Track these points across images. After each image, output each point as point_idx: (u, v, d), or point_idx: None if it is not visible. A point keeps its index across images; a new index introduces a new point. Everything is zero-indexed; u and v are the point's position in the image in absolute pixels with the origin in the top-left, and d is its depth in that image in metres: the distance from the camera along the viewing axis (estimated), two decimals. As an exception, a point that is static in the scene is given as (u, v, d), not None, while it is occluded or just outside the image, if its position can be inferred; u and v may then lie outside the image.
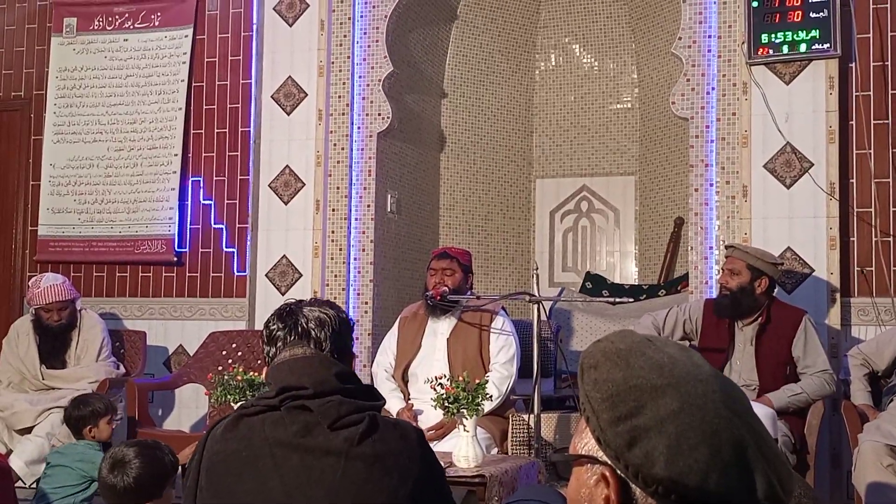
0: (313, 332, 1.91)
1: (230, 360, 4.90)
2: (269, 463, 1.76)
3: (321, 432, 1.76)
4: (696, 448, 0.89)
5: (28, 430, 4.56)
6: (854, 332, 4.62)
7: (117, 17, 5.78)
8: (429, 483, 1.81)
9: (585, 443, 0.96)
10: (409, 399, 4.14)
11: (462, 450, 3.24)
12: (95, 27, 5.82)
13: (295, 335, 1.92)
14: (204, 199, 5.60)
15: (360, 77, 5.31)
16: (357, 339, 5.22)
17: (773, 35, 4.62)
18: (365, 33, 5.32)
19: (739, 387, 0.97)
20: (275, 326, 1.95)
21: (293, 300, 2.04)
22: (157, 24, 5.70)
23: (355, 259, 5.27)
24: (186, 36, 5.65)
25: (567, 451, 0.99)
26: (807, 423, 3.98)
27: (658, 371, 0.93)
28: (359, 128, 5.31)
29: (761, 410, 2.66)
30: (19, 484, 4.33)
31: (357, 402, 1.81)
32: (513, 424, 4.05)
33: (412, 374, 4.18)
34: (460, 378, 3.32)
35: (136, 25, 5.74)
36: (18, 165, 6.00)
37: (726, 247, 4.35)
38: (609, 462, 0.93)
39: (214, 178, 5.61)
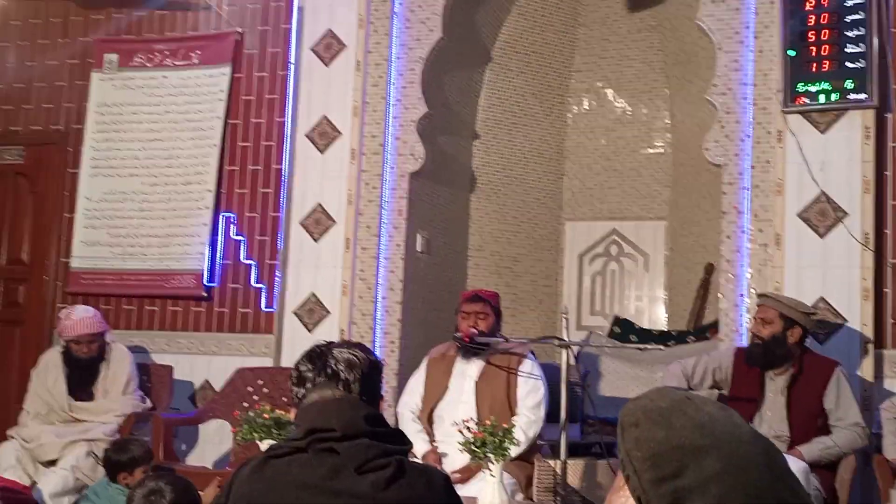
0: (342, 374, 1.92)
1: (256, 397, 4.89)
2: None
3: (348, 475, 1.75)
4: None
5: (53, 463, 4.57)
6: (887, 384, 4.55)
7: (157, 53, 5.88)
8: None
9: (623, 502, 0.95)
10: (433, 441, 4.11)
11: (487, 495, 3.21)
12: (135, 63, 5.92)
13: (324, 376, 1.92)
14: (235, 235, 5.64)
15: (394, 118, 5.35)
16: (383, 378, 5.20)
17: (809, 84, 4.61)
18: (400, 74, 5.36)
19: (778, 448, 0.96)
20: (304, 367, 1.95)
21: (323, 341, 2.04)
22: (196, 61, 5.79)
23: (383, 298, 5.27)
24: (224, 74, 5.72)
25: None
26: (838, 477, 3.91)
27: (700, 431, 0.92)
28: (392, 168, 5.33)
29: (795, 465, 2.61)
30: (43, 516, 4.34)
31: (384, 446, 1.80)
32: (538, 470, 4.00)
33: (438, 417, 4.16)
34: (487, 422, 3.30)
35: (175, 62, 5.83)
36: (55, 198, 6.08)
37: (759, 295, 4.31)
38: (650, 522, 0.92)
39: (246, 215, 5.65)
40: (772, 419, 4.02)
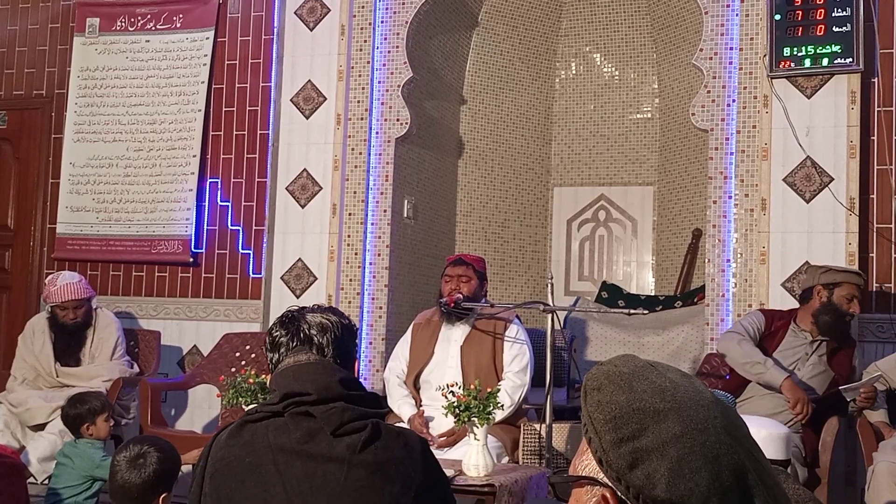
0: (315, 338, 1.94)
1: (243, 362, 4.91)
2: (271, 469, 1.76)
3: (324, 439, 1.76)
4: (697, 472, 0.89)
5: (41, 427, 4.58)
6: (871, 348, 4.58)
7: (139, 18, 5.82)
8: (431, 492, 1.81)
9: (586, 464, 0.97)
10: (420, 406, 4.14)
11: (472, 458, 3.23)
12: (118, 28, 5.86)
13: (297, 341, 1.94)
14: (221, 201, 5.62)
15: (379, 82, 5.32)
16: (371, 343, 5.22)
17: (795, 48, 4.59)
18: (385, 39, 5.33)
19: (738, 413, 0.98)
20: (277, 333, 1.97)
21: (295, 307, 2.05)
22: (178, 25, 5.73)
23: (370, 264, 5.27)
24: (207, 38, 5.67)
25: (567, 472, 0.99)
26: (821, 440, 3.95)
27: (660, 395, 0.94)
28: (377, 133, 5.31)
29: (777, 430, 2.63)
30: (31, 480, 4.35)
31: (360, 409, 1.81)
32: (524, 434, 4.03)
33: (424, 381, 4.18)
34: (472, 386, 3.31)
35: (157, 27, 5.78)
36: (39, 163, 6.04)
37: (857, 273, 4.21)
38: (610, 484, 0.93)
39: (232, 180, 5.62)
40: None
